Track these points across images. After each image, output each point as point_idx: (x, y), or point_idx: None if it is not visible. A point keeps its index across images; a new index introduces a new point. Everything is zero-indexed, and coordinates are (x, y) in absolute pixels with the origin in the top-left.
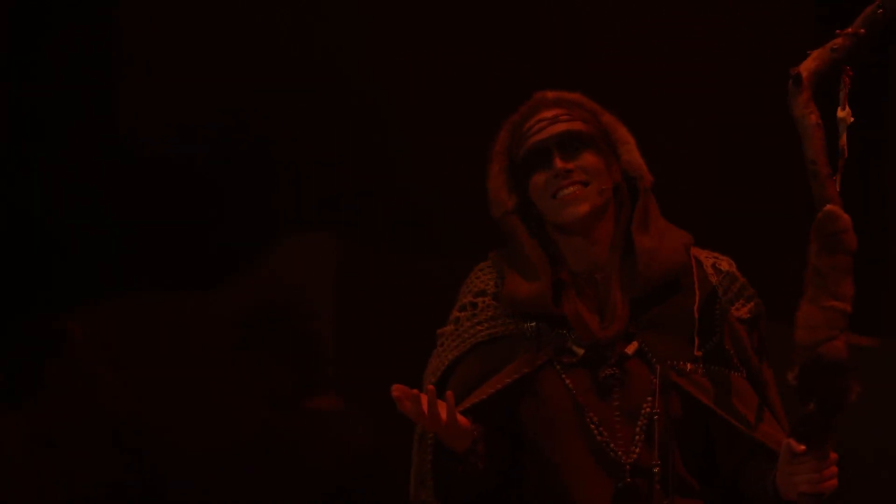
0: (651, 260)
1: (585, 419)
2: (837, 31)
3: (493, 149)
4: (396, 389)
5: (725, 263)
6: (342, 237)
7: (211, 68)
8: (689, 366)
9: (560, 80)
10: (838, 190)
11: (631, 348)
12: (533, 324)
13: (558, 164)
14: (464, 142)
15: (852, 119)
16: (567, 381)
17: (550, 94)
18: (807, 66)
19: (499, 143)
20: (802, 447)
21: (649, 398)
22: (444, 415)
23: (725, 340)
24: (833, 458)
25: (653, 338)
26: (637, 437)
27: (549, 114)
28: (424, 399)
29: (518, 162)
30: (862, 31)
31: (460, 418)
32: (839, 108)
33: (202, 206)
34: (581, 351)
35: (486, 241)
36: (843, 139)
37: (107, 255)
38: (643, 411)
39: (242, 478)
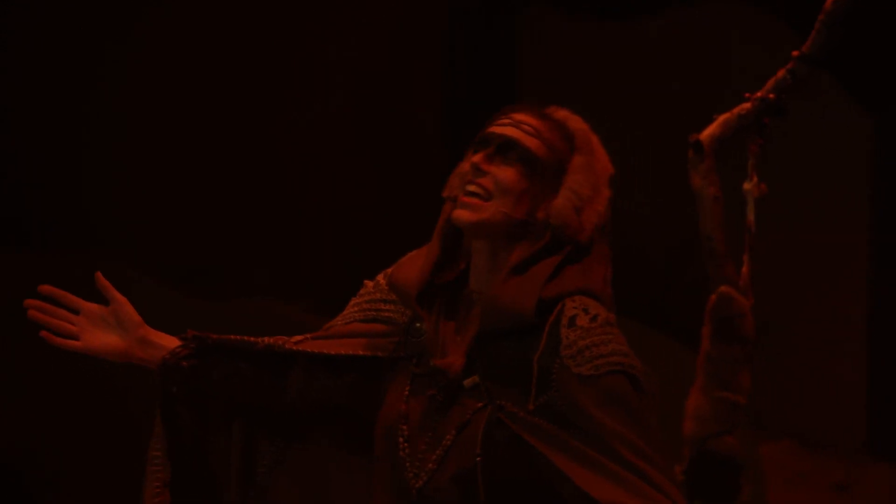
0: (493, 304)
1: (398, 430)
2: (746, 94)
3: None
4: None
5: (587, 319)
6: None
7: None
8: (520, 413)
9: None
10: (747, 269)
11: (469, 381)
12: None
13: (475, 157)
14: (57, 137)
15: (764, 191)
16: (407, 386)
17: (555, 110)
18: (710, 133)
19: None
20: None
21: (454, 431)
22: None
23: (560, 396)
24: None
25: (494, 379)
26: (430, 466)
27: (518, 116)
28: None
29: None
30: (771, 96)
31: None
32: (746, 181)
33: None
34: (431, 362)
35: (79, 238)
36: (751, 214)
37: None
38: (444, 443)
39: None
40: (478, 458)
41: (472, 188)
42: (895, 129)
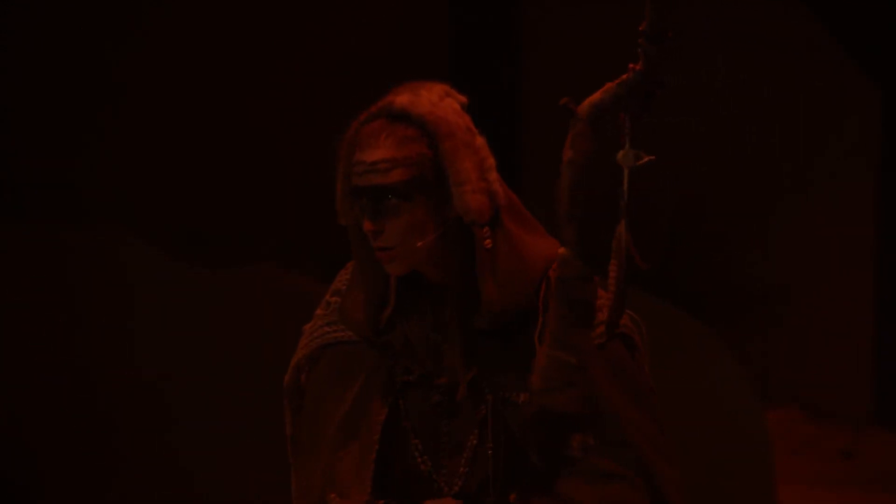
0: (494, 306)
1: (410, 445)
2: (630, 64)
3: (338, 151)
4: None
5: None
6: None
7: None
8: (523, 396)
9: None
10: (625, 235)
11: (469, 376)
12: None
13: (366, 225)
14: (56, 102)
15: (642, 161)
16: (400, 402)
17: (397, 104)
18: (591, 99)
19: (341, 150)
20: (513, 497)
21: (476, 430)
22: None
23: None
24: None
25: (490, 365)
26: (462, 470)
27: (371, 156)
28: None
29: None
30: (638, 67)
31: None
32: (621, 151)
33: None
34: (417, 369)
35: (80, 206)
36: (625, 182)
37: None
38: (468, 443)
39: None
40: (489, 452)
41: (377, 244)
42: None
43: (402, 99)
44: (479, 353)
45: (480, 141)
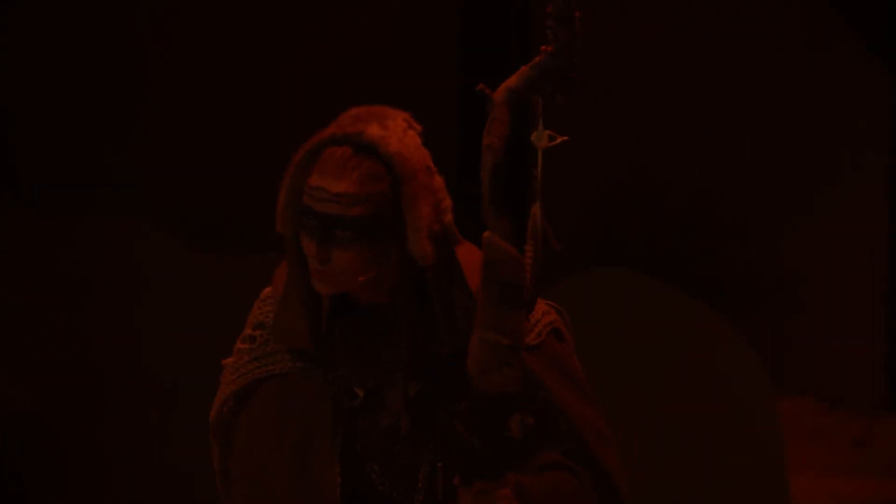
0: (460, 341)
1: (366, 467)
2: (542, 47)
3: (293, 158)
4: None
5: None
6: None
7: None
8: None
9: None
10: (540, 216)
11: (412, 389)
12: (300, 364)
13: (310, 248)
14: (72, 90)
15: (552, 142)
16: (351, 429)
17: (366, 137)
18: (506, 83)
19: (296, 159)
20: (456, 479)
21: (430, 445)
22: None
23: None
24: (504, 494)
25: (438, 376)
26: (420, 486)
27: (336, 187)
28: None
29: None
30: (547, 48)
31: None
32: (534, 132)
33: None
34: (361, 393)
35: (93, 193)
36: (539, 163)
37: None
38: (426, 458)
39: None
40: (439, 465)
41: (319, 268)
42: None
43: (372, 131)
44: (428, 370)
45: (438, 181)
